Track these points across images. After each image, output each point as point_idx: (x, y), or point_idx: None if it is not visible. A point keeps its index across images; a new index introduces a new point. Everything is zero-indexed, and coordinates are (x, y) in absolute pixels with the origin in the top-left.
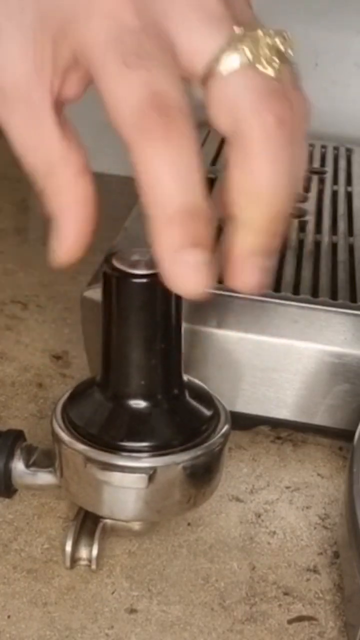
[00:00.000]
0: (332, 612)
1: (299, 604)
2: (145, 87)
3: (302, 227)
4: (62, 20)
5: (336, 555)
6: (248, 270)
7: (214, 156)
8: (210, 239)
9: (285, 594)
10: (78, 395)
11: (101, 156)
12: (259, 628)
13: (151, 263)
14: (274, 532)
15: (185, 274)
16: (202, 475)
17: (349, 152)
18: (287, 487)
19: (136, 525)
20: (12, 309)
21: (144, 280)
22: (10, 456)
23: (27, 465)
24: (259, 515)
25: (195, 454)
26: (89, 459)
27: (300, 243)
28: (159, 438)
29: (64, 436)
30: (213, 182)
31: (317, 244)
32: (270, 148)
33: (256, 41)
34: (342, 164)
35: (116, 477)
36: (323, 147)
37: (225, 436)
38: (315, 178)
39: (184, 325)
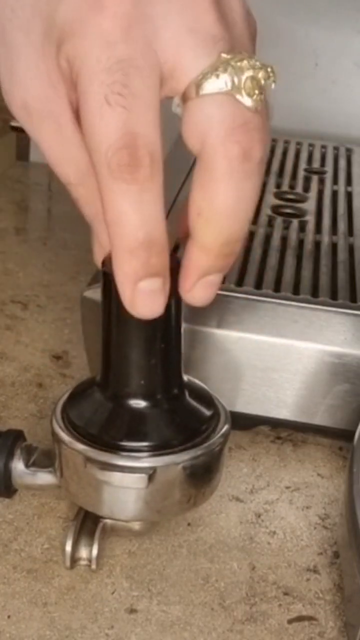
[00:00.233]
0: (332, 612)
1: (299, 604)
2: (122, 128)
3: (302, 227)
4: (62, 34)
5: (336, 555)
6: (200, 287)
7: None
8: (166, 267)
9: (285, 594)
10: (78, 395)
11: None
12: (259, 628)
13: None
14: (274, 532)
15: (144, 300)
16: (202, 475)
17: (349, 152)
18: (287, 487)
19: (136, 525)
20: (12, 309)
21: None
22: (10, 456)
23: (27, 465)
24: (259, 515)
25: (195, 454)
26: (88, 459)
27: (300, 243)
28: (159, 438)
29: (64, 436)
30: None
31: (317, 244)
32: (233, 179)
33: (240, 71)
34: (342, 164)
35: (116, 477)
36: (323, 147)
37: (225, 436)
38: (315, 178)
39: (184, 325)
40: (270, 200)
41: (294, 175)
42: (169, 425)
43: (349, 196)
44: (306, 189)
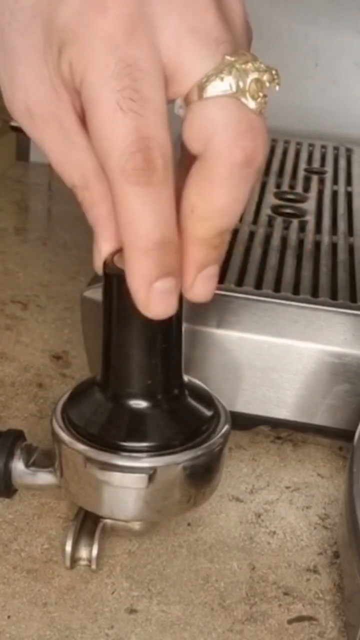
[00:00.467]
0: (332, 612)
1: (299, 604)
2: (135, 133)
3: (302, 227)
4: (63, 37)
5: (336, 555)
6: (200, 282)
7: None
8: (179, 266)
9: (285, 594)
10: (78, 395)
11: None
12: (259, 628)
13: None
14: (274, 532)
15: (159, 300)
16: (202, 476)
17: (349, 152)
18: (287, 487)
19: (136, 525)
20: (12, 309)
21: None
22: (10, 456)
23: (27, 465)
24: (259, 515)
25: (195, 454)
26: (89, 459)
27: (300, 243)
28: (159, 438)
29: (64, 436)
30: None
31: (317, 244)
32: (232, 182)
33: (245, 73)
34: (342, 164)
35: (116, 477)
36: (323, 147)
37: (226, 436)
38: (315, 178)
39: (184, 325)
40: (270, 200)
41: (294, 175)
42: (169, 425)
43: (349, 196)
44: (306, 189)
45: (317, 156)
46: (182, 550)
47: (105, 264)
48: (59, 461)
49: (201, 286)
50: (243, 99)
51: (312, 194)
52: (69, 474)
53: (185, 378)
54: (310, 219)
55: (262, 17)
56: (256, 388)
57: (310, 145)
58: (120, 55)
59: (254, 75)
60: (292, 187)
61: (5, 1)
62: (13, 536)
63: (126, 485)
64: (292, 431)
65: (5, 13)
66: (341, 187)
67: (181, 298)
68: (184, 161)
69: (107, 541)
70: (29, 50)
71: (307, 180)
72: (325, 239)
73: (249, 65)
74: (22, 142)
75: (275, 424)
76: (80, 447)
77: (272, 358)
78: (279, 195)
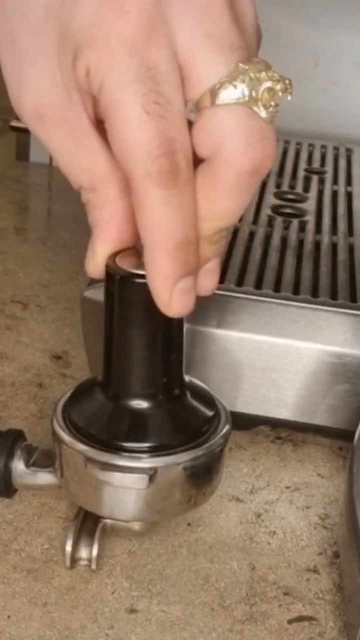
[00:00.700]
0: (332, 612)
1: (299, 604)
2: (161, 135)
3: (302, 227)
4: (80, 40)
5: (336, 555)
6: (203, 276)
7: None
8: (197, 264)
9: (285, 594)
10: (79, 395)
11: None
12: (259, 628)
13: None
14: (274, 532)
15: (181, 299)
16: (202, 476)
17: (349, 152)
18: (287, 487)
19: (136, 525)
20: (12, 309)
21: (147, 280)
22: (10, 456)
23: (27, 465)
24: (259, 515)
25: (195, 454)
26: (89, 459)
27: (300, 243)
28: (160, 438)
29: (65, 436)
30: None
31: (317, 244)
32: (237, 189)
33: (258, 82)
34: (342, 164)
35: (116, 477)
36: (323, 147)
37: (226, 437)
38: (315, 178)
39: (184, 325)
40: (270, 200)
41: (294, 175)
42: (169, 425)
43: (349, 196)
44: (306, 189)
45: (317, 156)
46: (182, 550)
47: (107, 265)
48: (60, 461)
49: (205, 280)
50: (255, 108)
51: (312, 194)
52: (69, 474)
53: (186, 378)
54: (310, 219)
55: (262, 17)
56: (256, 388)
57: (310, 145)
58: (142, 59)
59: (267, 84)
60: (292, 187)
61: (16, 1)
62: (13, 536)
63: (126, 485)
64: (292, 431)
65: (16, 13)
66: (341, 187)
67: None
68: None
69: (107, 541)
70: (40, 52)
71: (307, 180)
72: (325, 239)
73: (263, 74)
74: (22, 142)
75: (275, 424)
76: (81, 447)
77: (272, 358)
78: (279, 195)
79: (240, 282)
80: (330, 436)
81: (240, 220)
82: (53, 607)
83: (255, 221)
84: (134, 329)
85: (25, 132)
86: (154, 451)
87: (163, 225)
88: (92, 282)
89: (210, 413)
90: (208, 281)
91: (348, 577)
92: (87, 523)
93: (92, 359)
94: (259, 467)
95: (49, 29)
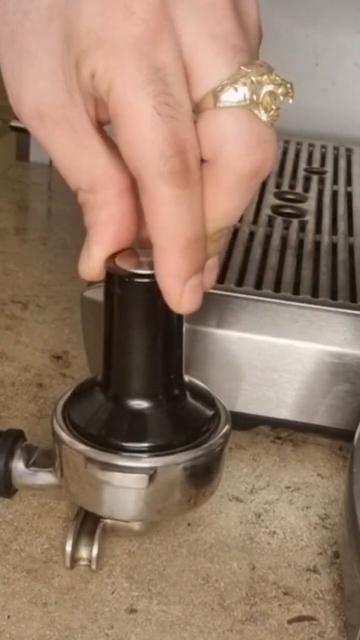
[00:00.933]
0: (332, 612)
1: (299, 604)
2: (172, 136)
3: (302, 227)
4: (86, 41)
5: (336, 555)
6: (209, 273)
7: None
8: (205, 261)
9: (285, 594)
10: (79, 395)
11: None
12: (259, 628)
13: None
14: (274, 532)
15: (191, 297)
16: (202, 476)
17: (349, 152)
18: (287, 487)
19: (136, 525)
20: (12, 309)
21: (147, 280)
22: (10, 456)
23: (27, 465)
24: (259, 515)
25: (195, 454)
26: (89, 459)
27: (300, 243)
28: (160, 438)
29: (65, 436)
30: None
31: (317, 244)
32: (237, 192)
33: (260, 85)
34: (342, 164)
35: (116, 477)
36: (323, 147)
37: (226, 436)
38: (315, 178)
39: (184, 325)
40: (270, 200)
41: (294, 175)
42: (169, 425)
43: (349, 196)
44: (306, 189)
45: (317, 156)
46: (182, 550)
47: (107, 265)
48: (60, 461)
49: (204, 276)
50: (256, 111)
51: (312, 194)
52: (69, 474)
53: (186, 378)
54: (310, 219)
55: (262, 17)
56: (256, 388)
57: (310, 145)
58: (150, 60)
59: (269, 87)
60: (292, 187)
61: (18, 0)
62: (13, 536)
63: (126, 485)
64: (292, 431)
65: (18, 12)
66: (341, 187)
67: None
68: None
69: (107, 541)
70: (42, 52)
71: (307, 180)
72: (325, 239)
73: (264, 77)
74: (22, 142)
75: (275, 424)
76: (81, 447)
77: (272, 358)
78: (279, 195)
79: (240, 282)
80: (330, 436)
81: (240, 220)
82: (53, 607)
83: (255, 221)
84: (134, 329)
85: (25, 132)
86: (154, 451)
87: (175, 224)
88: (92, 282)
89: (210, 413)
90: (208, 277)
91: (348, 577)
92: (87, 523)
93: (92, 359)
94: (259, 467)
95: (53, 28)
